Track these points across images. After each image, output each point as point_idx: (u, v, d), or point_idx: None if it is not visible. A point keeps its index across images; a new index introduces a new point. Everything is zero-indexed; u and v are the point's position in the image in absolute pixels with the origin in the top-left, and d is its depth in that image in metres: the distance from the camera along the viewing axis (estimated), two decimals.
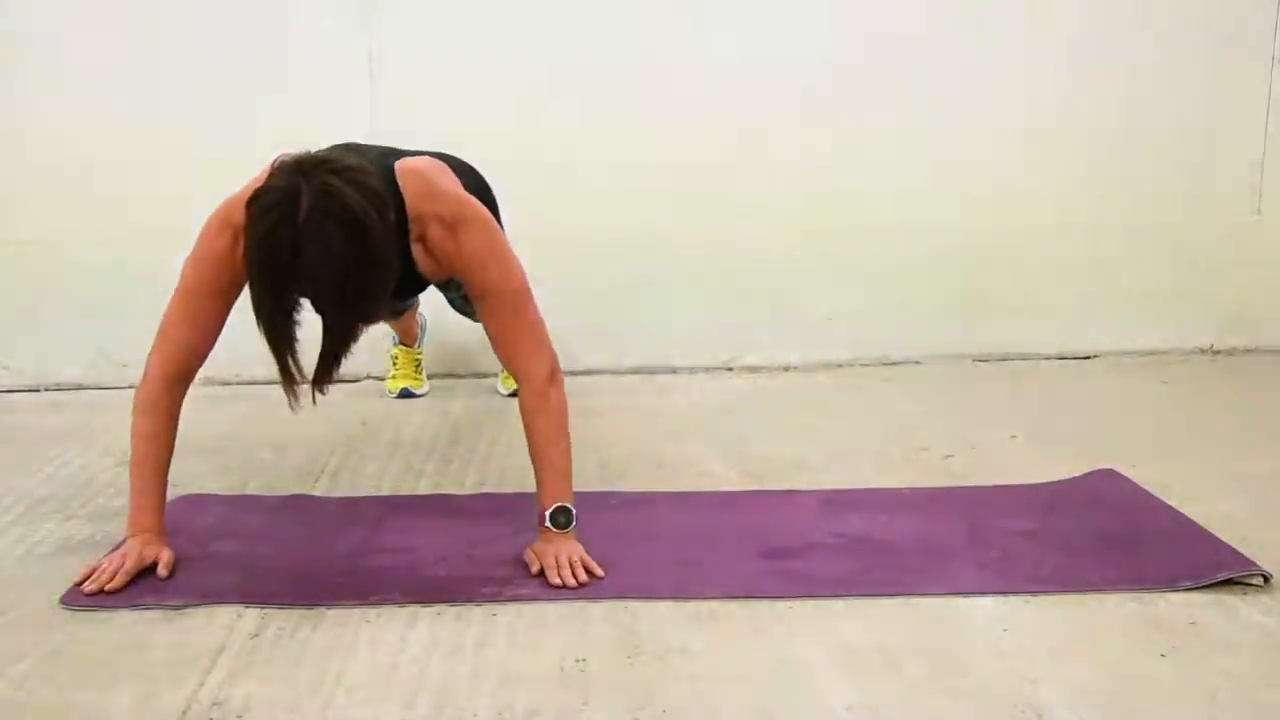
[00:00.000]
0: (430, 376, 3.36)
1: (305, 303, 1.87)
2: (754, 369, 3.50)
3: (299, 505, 2.42)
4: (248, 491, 2.51)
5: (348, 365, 3.49)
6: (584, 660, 1.77)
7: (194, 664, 1.75)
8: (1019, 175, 3.55)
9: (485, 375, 3.44)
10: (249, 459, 2.72)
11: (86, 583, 1.97)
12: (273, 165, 1.87)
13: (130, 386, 3.32)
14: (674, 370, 3.49)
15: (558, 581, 1.99)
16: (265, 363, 3.61)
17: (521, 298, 2.11)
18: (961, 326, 3.56)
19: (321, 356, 1.90)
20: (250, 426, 3.00)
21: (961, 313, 3.54)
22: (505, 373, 3.16)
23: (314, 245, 1.77)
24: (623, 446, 2.79)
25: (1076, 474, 2.52)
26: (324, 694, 1.68)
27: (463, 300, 2.69)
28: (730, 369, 3.43)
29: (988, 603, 1.94)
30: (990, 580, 2.01)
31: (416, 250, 2.09)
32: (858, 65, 3.44)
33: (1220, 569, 2.00)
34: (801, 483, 2.53)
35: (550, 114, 3.39)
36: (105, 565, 2.00)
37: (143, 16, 3.26)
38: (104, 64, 3.27)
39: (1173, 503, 2.34)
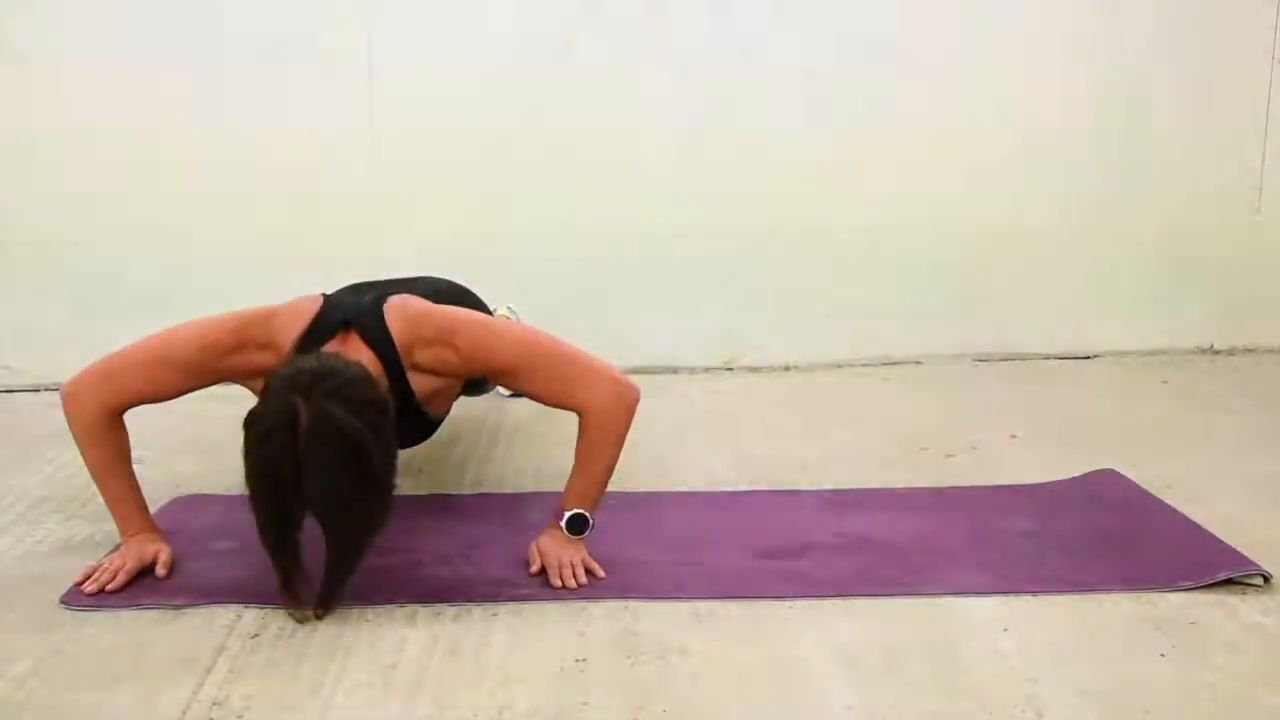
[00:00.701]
0: None
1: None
2: (754, 369, 3.50)
3: None
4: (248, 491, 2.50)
5: None
6: (584, 660, 1.77)
7: (194, 664, 1.76)
8: (1019, 175, 3.55)
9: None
10: None
11: (87, 583, 1.97)
12: (268, 378, 1.88)
13: None
14: (674, 370, 3.49)
15: (558, 583, 2.00)
16: None
17: (539, 350, 2.10)
18: (961, 326, 3.56)
19: (328, 576, 1.88)
20: None
21: (961, 313, 3.54)
22: None
23: (315, 471, 1.79)
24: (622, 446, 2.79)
25: (1076, 474, 2.52)
26: (324, 694, 1.68)
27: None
28: (730, 369, 3.43)
29: (988, 603, 1.94)
30: (990, 580, 2.01)
31: (414, 379, 2.08)
32: (857, 65, 3.44)
33: (1220, 569, 2.00)
34: (802, 483, 2.53)
35: (550, 113, 3.39)
36: (105, 565, 2.01)
37: (143, 17, 3.26)
38: (104, 64, 3.27)
39: (1173, 503, 2.34)
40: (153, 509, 2.36)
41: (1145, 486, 2.43)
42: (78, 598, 1.96)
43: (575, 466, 2.10)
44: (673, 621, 1.89)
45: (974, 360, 3.58)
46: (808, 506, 2.37)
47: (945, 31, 3.46)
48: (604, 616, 1.91)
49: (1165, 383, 3.39)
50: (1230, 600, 1.94)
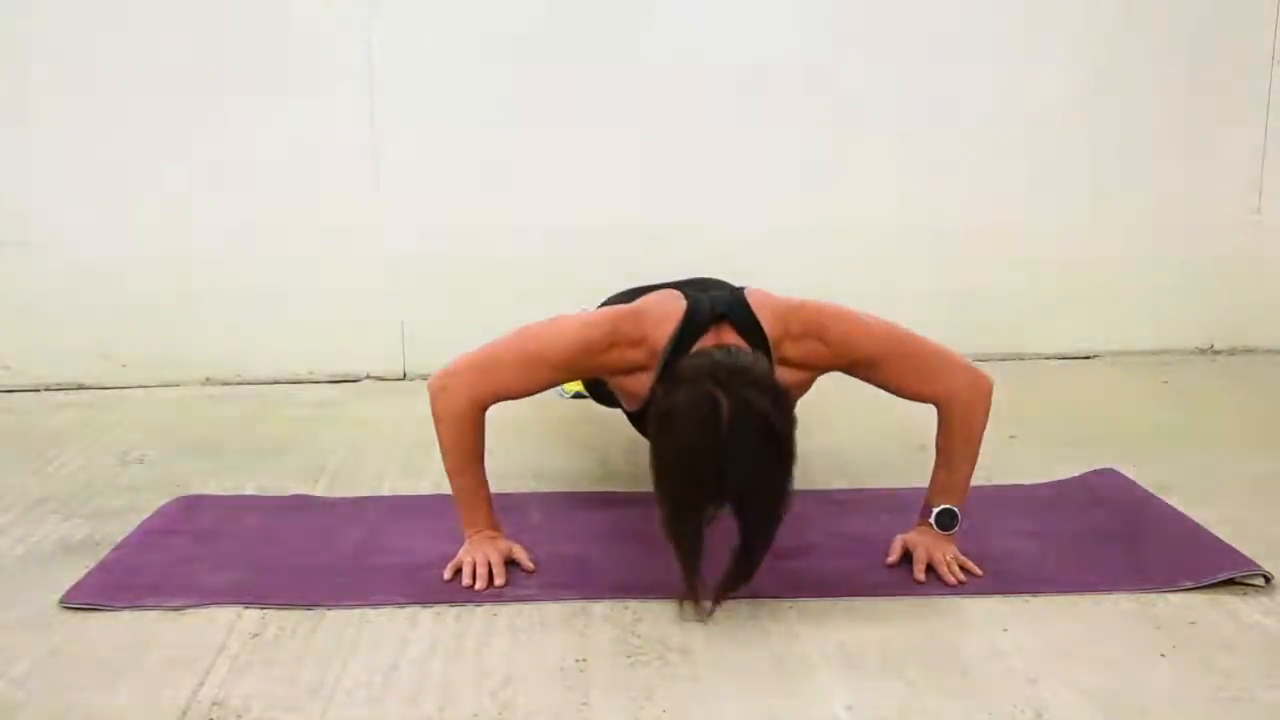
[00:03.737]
0: (428, 377, 3.37)
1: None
2: None
3: (299, 505, 2.42)
4: (248, 491, 2.51)
5: (347, 365, 3.51)
6: (584, 660, 1.77)
7: (194, 664, 1.76)
8: (1019, 175, 3.55)
9: None
10: (249, 459, 2.72)
11: (477, 582, 1.99)
12: (675, 373, 1.90)
13: (130, 386, 3.40)
14: None
15: (923, 578, 2.00)
16: (265, 363, 3.63)
17: (904, 344, 2.12)
18: (961, 326, 3.55)
19: (739, 563, 1.86)
20: (250, 426, 3.00)
21: (961, 313, 3.54)
22: None
23: (740, 459, 1.79)
24: (623, 446, 2.79)
25: (1076, 474, 2.52)
26: (324, 694, 1.68)
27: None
28: None
29: (988, 603, 1.94)
30: (990, 580, 2.01)
31: (780, 373, 2.05)
32: (857, 64, 3.44)
33: (1221, 569, 2.00)
34: (802, 483, 2.52)
35: (550, 113, 3.39)
36: (475, 569, 2.01)
37: (142, 17, 3.26)
38: (105, 64, 3.27)
39: (1173, 503, 2.34)
40: (152, 509, 2.37)
41: (1145, 486, 2.43)
42: (78, 597, 1.96)
43: (939, 460, 2.11)
44: (673, 621, 1.89)
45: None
46: (807, 506, 2.37)
47: (945, 31, 3.46)
48: (604, 616, 1.91)
49: (1165, 383, 3.39)
50: (1230, 600, 1.94)
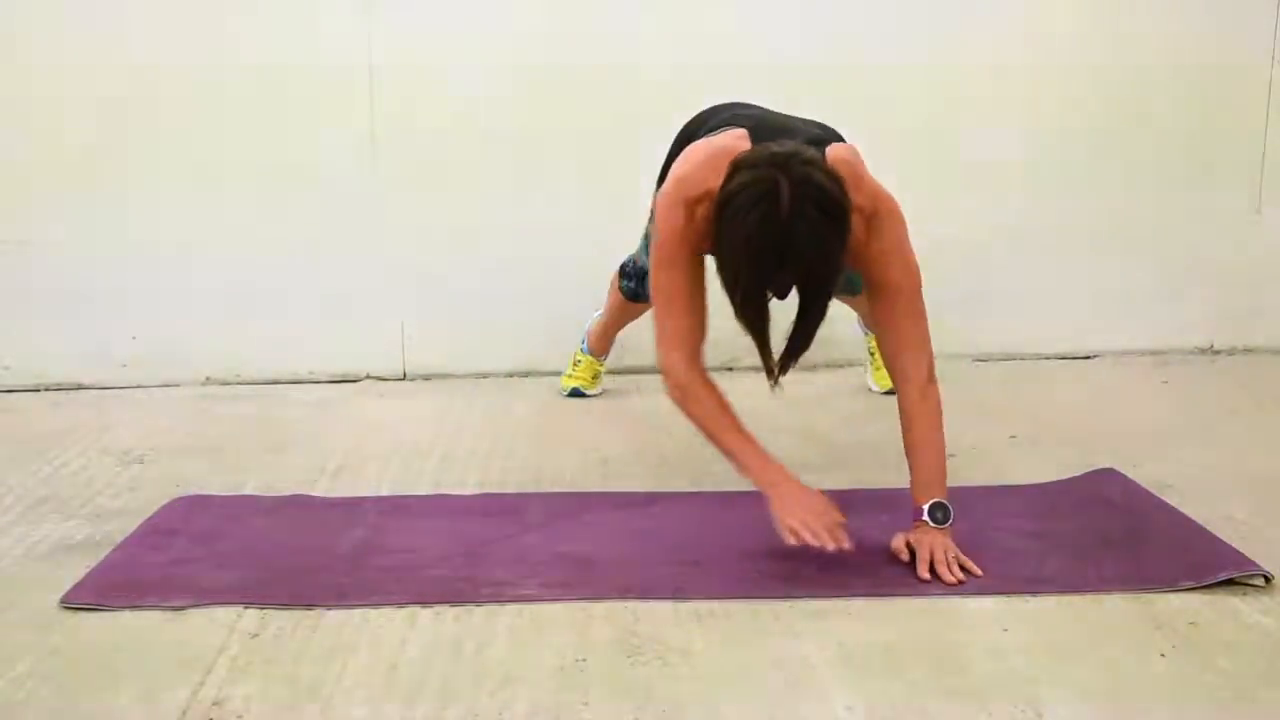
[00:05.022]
0: (440, 377, 3.38)
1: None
2: (754, 369, 3.47)
3: (299, 505, 2.42)
4: (248, 491, 2.51)
5: (347, 365, 3.51)
6: (584, 660, 1.77)
7: (194, 664, 1.76)
8: (1019, 175, 3.55)
9: (486, 375, 3.45)
10: (249, 459, 2.72)
11: (830, 543, 1.99)
12: (732, 163, 1.96)
13: (130, 386, 3.40)
14: None
15: (927, 576, 2.01)
16: (265, 363, 3.63)
17: (916, 296, 2.18)
18: (961, 326, 3.56)
19: (796, 337, 2.01)
20: (250, 426, 3.00)
21: (961, 313, 3.54)
22: (878, 370, 3.21)
23: (803, 233, 1.87)
24: (623, 446, 2.79)
25: (1076, 474, 2.52)
26: (324, 694, 1.68)
27: None
28: (730, 369, 3.41)
29: (988, 603, 1.94)
30: (990, 580, 2.01)
31: None
32: (856, 64, 3.44)
33: (1221, 569, 2.00)
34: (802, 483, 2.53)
35: (551, 113, 3.39)
36: (816, 529, 2.01)
37: (142, 17, 3.26)
38: (104, 64, 3.27)
39: (1173, 503, 2.34)
40: (152, 509, 2.37)
41: (1145, 486, 2.43)
42: (78, 597, 1.96)
43: (912, 461, 2.13)
44: (673, 621, 1.89)
45: (974, 360, 3.59)
46: None
47: (945, 31, 3.46)
48: (604, 616, 1.91)
49: (1165, 383, 3.39)
50: (1230, 600, 1.94)
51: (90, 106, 3.29)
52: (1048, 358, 3.62)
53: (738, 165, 1.95)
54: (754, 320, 1.98)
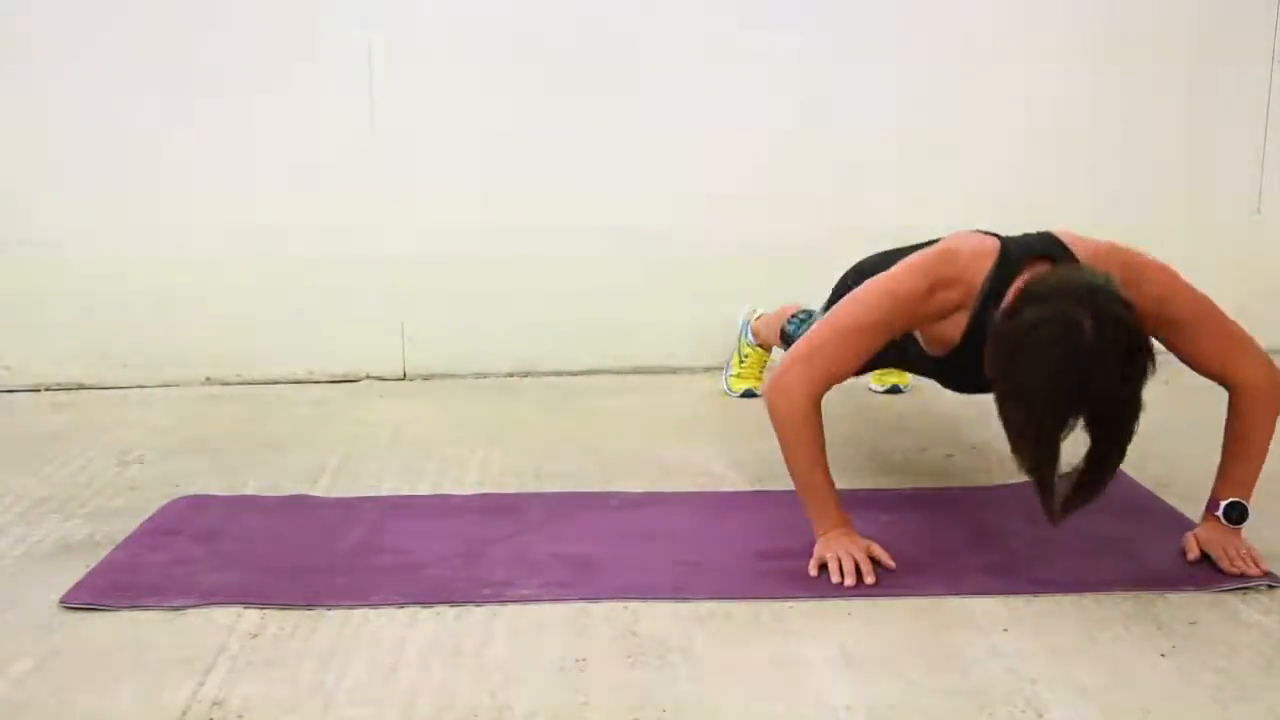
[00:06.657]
0: (440, 377, 3.39)
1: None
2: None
3: (299, 505, 2.42)
4: (248, 491, 2.51)
5: (347, 365, 3.51)
6: (584, 660, 1.77)
7: (194, 664, 1.75)
8: (1019, 175, 3.55)
9: (486, 375, 3.45)
10: (249, 459, 2.72)
11: (846, 578, 1.98)
12: (1023, 292, 1.90)
13: (130, 386, 3.39)
14: (674, 370, 3.49)
15: (1230, 568, 1.99)
16: (265, 363, 3.62)
17: (1211, 312, 2.11)
18: None
19: (1091, 482, 1.88)
20: (250, 426, 3.00)
21: None
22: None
23: (1103, 374, 1.79)
24: (623, 446, 2.79)
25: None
26: (324, 694, 1.68)
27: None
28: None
29: (988, 603, 1.94)
30: (990, 580, 2.01)
31: None
32: (856, 64, 3.44)
33: (1226, 578, 1.99)
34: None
35: (551, 113, 3.39)
36: (841, 564, 2.00)
37: (142, 17, 3.26)
38: (104, 64, 3.26)
39: (1173, 503, 2.34)
40: (152, 509, 2.37)
41: (1145, 486, 2.43)
42: (77, 597, 1.96)
43: (1230, 451, 2.08)
44: (673, 621, 1.89)
45: None
46: None
47: (944, 31, 3.46)
48: (604, 616, 1.91)
49: (1166, 383, 3.37)
50: (1230, 600, 1.94)
51: (90, 106, 3.28)
52: None
53: (1030, 295, 1.87)
54: (1044, 462, 1.85)
